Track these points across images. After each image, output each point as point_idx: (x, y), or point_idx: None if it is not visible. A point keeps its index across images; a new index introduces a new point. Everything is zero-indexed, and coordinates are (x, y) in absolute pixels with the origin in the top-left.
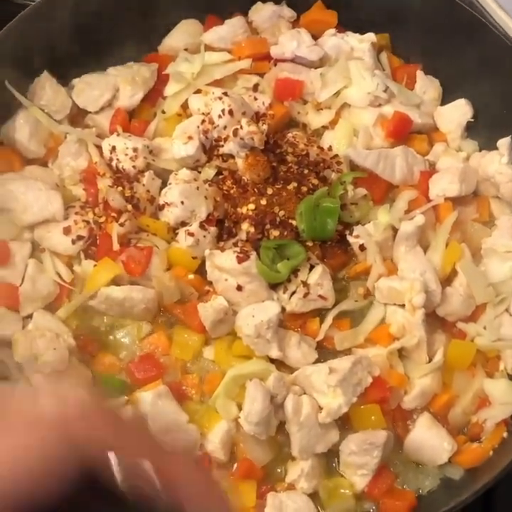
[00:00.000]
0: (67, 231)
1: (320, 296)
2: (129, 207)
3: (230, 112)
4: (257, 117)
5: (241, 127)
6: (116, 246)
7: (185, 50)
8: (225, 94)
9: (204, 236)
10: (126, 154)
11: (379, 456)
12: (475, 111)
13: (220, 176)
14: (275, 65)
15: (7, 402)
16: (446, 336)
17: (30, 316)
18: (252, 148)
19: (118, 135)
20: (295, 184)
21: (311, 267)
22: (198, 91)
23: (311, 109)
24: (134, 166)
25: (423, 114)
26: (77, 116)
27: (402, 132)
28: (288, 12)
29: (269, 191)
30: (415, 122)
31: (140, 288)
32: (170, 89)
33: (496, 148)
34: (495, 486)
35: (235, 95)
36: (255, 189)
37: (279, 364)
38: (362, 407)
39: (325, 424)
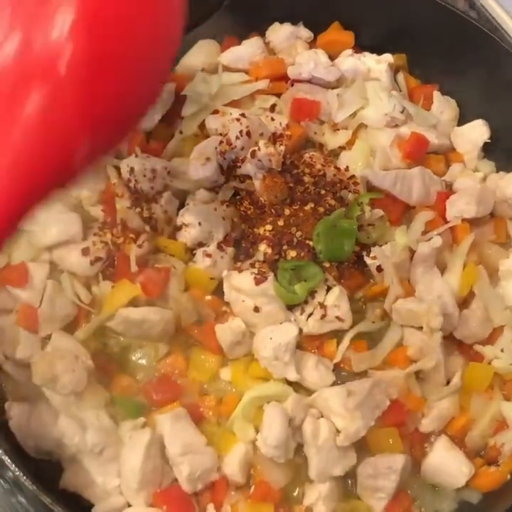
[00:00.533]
0: (85, 252)
1: (337, 317)
2: (147, 228)
3: (248, 134)
4: (274, 138)
5: (259, 149)
6: (134, 267)
7: (203, 70)
8: (243, 115)
9: (221, 257)
10: (145, 175)
11: (396, 480)
12: (492, 131)
13: (238, 197)
14: (292, 85)
15: None
16: (464, 358)
17: (48, 337)
18: (269, 169)
19: (136, 156)
20: (312, 205)
21: (328, 288)
22: (216, 111)
23: (328, 130)
24: (152, 187)
25: (440, 135)
26: None
27: (418, 153)
28: (305, 32)
29: (287, 212)
30: (432, 143)
31: (158, 309)
32: (187, 109)
33: None
34: None
35: (253, 116)
36: (272, 210)
37: (297, 386)
38: (379, 430)
39: (343, 447)
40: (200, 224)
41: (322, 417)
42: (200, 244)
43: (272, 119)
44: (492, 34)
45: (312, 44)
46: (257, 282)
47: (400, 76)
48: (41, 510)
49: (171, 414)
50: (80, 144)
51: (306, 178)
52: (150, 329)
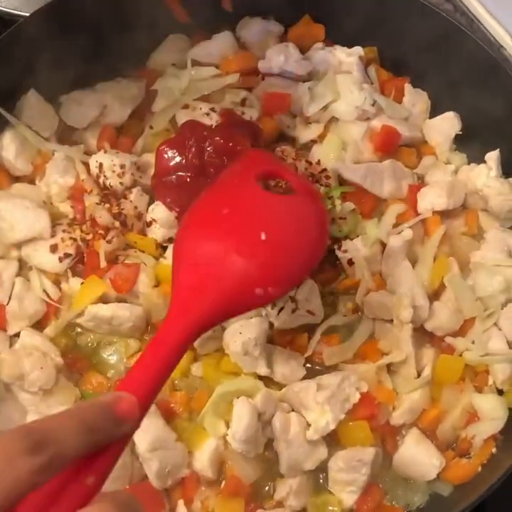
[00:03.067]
0: (54, 249)
1: (308, 311)
2: (117, 224)
3: None
4: None
5: None
6: (103, 263)
7: (173, 65)
8: (213, 109)
9: None
10: (114, 171)
11: (367, 473)
12: (464, 123)
13: None
14: (263, 79)
15: None
16: (435, 350)
17: (17, 335)
18: None
19: (105, 152)
20: None
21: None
22: (186, 106)
23: (300, 123)
24: (121, 183)
25: (411, 127)
26: (65, 133)
27: (390, 146)
28: (276, 27)
29: None
30: (404, 135)
31: (128, 305)
32: (158, 104)
33: (485, 161)
34: (484, 502)
35: (223, 110)
36: None
37: (268, 380)
38: (350, 423)
39: (313, 441)
40: None
41: (293, 411)
42: (171, 240)
43: (243, 113)
44: (463, 27)
45: (283, 37)
46: None
47: (372, 69)
48: None
49: None
50: (260, 290)
51: None
52: (120, 325)
